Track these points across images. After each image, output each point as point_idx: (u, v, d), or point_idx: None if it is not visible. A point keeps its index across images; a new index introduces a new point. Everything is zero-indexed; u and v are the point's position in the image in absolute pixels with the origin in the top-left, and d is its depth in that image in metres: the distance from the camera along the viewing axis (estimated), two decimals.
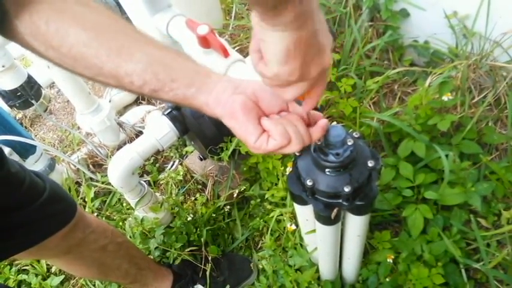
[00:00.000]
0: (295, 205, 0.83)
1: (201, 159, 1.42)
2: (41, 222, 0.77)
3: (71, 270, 1.08)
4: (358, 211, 0.74)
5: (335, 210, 0.71)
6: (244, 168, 1.33)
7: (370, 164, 0.67)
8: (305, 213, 0.84)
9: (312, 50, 0.41)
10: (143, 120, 1.72)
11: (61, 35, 0.47)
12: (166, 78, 0.49)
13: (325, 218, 0.75)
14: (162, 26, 1.17)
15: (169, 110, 1.17)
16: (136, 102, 1.88)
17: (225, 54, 0.96)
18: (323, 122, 0.56)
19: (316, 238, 0.90)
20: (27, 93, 1.47)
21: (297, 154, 0.71)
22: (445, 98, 1.17)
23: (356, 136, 0.69)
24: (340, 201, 0.69)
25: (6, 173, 0.69)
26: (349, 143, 0.64)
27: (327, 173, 0.66)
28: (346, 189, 0.65)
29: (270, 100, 0.52)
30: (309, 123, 0.56)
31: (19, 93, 1.47)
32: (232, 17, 1.86)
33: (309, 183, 0.67)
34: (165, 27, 1.17)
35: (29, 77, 1.50)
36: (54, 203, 0.79)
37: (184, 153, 1.61)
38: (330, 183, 0.67)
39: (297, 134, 0.51)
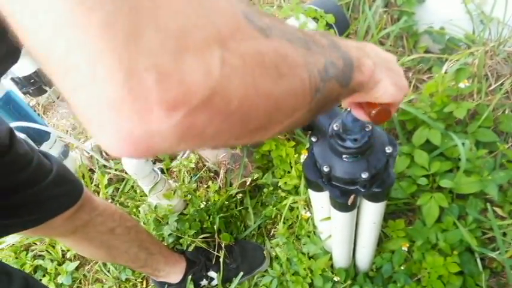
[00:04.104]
0: (311, 192, 0.83)
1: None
2: (46, 202, 0.78)
3: (79, 251, 1.10)
4: (374, 198, 0.74)
5: (352, 197, 0.70)
6: (257, 156, 1.32)
7: (388, 150, 0.67)
8: (320, 200, 0.84)
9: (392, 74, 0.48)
10: None
11: None
12: None
13: (341, 204, 0.74)
14: None
15: None
16: None
17: None
18: None
19: (331, 225, 0.90)
20: (41, 79, 1.48)
21: (313, 140, 0.71)
22: (461, 85, 1.15)
23: None
24: (357, 187, 0.68)
25: (15, 154, 0.71)
26: (367, 129, 0.64)
27: (344, 159, 0.66)
28: (364, 175, 0.65)
29: None
30: None
31: (33, 80, 1.48)
32: None
33: (325, 169, 0.67)
34: None
35: None
36: (60, 184, 0.81)
37: None
38: (347, 170, 0.66)
39: None
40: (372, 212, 0.81)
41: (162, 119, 0.22)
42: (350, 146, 0.64)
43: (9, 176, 0.70)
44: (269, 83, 0.27)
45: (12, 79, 1.49)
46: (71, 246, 1.05)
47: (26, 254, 1.49)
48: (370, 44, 0.48)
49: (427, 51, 1.53)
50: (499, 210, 1.11)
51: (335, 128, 0.64)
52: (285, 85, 0.29)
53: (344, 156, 0.65)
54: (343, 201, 0.71)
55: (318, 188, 0.78)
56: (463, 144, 1.05)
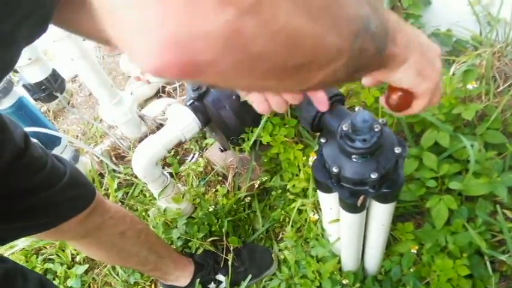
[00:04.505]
0: (319, 193, 0.83)
1: (222, 151, 1.43)
2: (60, 205, 0.79)
3: (90, 254, 1.10)
4: (384, 199, 0.74)
5: (361, 198, 0.70)
6: (265, 160, 1.33)
7: (397, 150, 0.67)
8: (329, 202, 0.84)
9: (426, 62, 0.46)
10: (164, 113, 1.74)
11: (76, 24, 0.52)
12: None
13: (350, 205, 0.74)
14: None
15: (191, 101, 1.18)
16: (157, 95, 1.91)
17: None
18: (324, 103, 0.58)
19: (340, 227, 0.90)
20: (52, 86, 1.50)
21: (322, 141, 0.71)
22: (469, 86, 1.15)
23: (382, 123, 0.68)
24: (367, 188, 0.69)
25: (29, 157, 0.72)
26: (376, 129, 0.64)
27: (354, 160, 0.66)
28: (373, 176, 0.65)
29: None
30: None
31: (44, 86, 1.50)
32: None
33: (334, 170, 0.67)
34: None
35: (54, 70, 1.53)
36: (73, 188, 0.82)
37: (204, 145, 1.62)
38: (357, 170, 0.67)
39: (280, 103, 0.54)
40: (381, 213, 0.81)
41: (211, 15, 0.21)
42: (359, 147, 0.64)
43: (25, 179, 0.71)
44: (319, 8, 0.26)
45: (24, 86, 1.51)
46: (82, 249, 1.06)
47: (36, 258, 1.50)
48: (415, 29, 0.47)
49: None
50: (508, 213, 1.10)
51: (344, 129, 0.65)
52: (333, 15, 0.28)
53: (353, 156, 0.66)
54: (353, 202, 0.71)
55: (327, 189, 0.78)
56: (472, 146, 1.05)
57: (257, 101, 0.54)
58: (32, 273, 0.73)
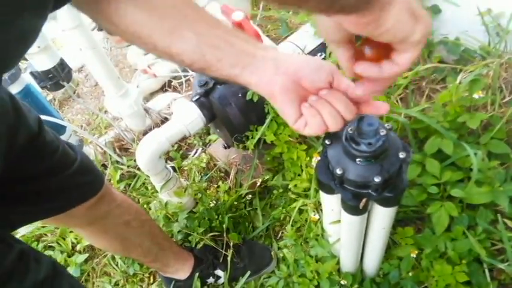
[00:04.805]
0: (322, 194, 0.84)
1: (225, 148, 1.43)
2: (69, 191, 0.81)
3: (94, 242, 1.11)
4: (386, 202, 0.75)
5: (364, 200, 0.71)
6: (268, 158, 1.34)
7: (402, 155, 0.68)
8: (331, 203, 0.85)
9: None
10: (169, 107, 1.75)
11: (119, 14, 0.50)
12: (213, 58, 0.51)
13: (352, 207, 0.75)
14: None
15: (197, 97, 1.18)
16: (163, 89, 1.91)
17: (259, 41, 0.97)
18: (384, 105, 0.54)
19: (340, 229, 0.90)
20: (59, 75, 1.51)
21: (327, 143, 0.72)
22: (475, 96, 1.16)
23: (388, 127, 0.69)
24: (369, 191, 0.69)
25: (42, 142, 0.73)
26: (382, 133, 0.65)
27: (358, 163, 0.67)
28: (377, 179, 0.66)
29: (312, 76, 0.52)
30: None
31: (51, 75, 1.51)
32: (260, 8, 1.86)
33: (338, 172, 0.68)
34: None
35: (61, 60, 1.54)
36: (83, 174, 0.83)
37: (207, 141, 1.63)
38: (360, 173, 0.67)
39: (335, 117, 0.51)
40: (382, 217, 0.81)
41: None
42: (364, 150, 0.65)
43: (37, 163, 0.73)
44: None
45: (32, 73, 1.52)
46: (86, 237, 1.07)
47: (37, 245, 1.52)
48: None
49: (441, 62, 1.53)
50: (509, 222, 1.10)
51: (350, 132, 0.66)
52: None
53: (358, 159, 0.66)
54: (355, 204, 0.72)
55: (330, 191, 0.79)
56: (475, 154, 1.05)
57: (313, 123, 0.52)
58: (45, 256, 0.74)
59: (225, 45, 0.51)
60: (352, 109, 0.52)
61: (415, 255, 1.07)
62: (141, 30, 0.50)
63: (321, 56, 1.32)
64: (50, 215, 0.80)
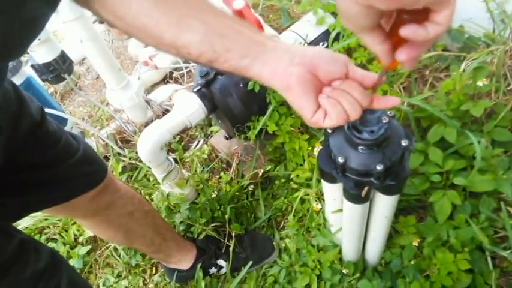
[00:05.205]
0: (323, 183, 0.83)
1: (227, 139, 1.43)
2: (72, 180, 0.81)
3: (97, 233, 1.12)
4: (388, 191, 0.74)
5: (365, 189, 0.71)
6: (270, 149, 1.33)
7: (404, 143, 0.67)
8: (333, 192, 0.85)
9: None
10: (170, 99, 1.74)
11: (124, 6, 0.48)
12: (222, 49, 0.49)
13: (354, 196, 0.75)
14: None
15: (198, 88, 1.18)
16: (164, 81, 1.91)
17: (260, 29, 0.96)
18: (394, 99, 0.54)
19: (342, 218, 0.90)
20: (60, 67, 1.50)
21: (329, 131, 0.71)
22: (479, 83, 1.14)
23: (390, 115, 0.68)
24: (371, 179, 0.69)
25: (45, 131, 0.73)
26: (384, 121, 0.64)
27: (360, 151, 0.66)
28: (379, 167, 0.65)
29: (328, 67, 0.51)
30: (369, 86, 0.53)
31: (52, 68, 1.50)
32: None
33: (340, 160, 0.67)
34: None
35: (62, 52, 1.53)
36: (86, 164, 0.83)
37: (209, 132, 1.63)
38: (362, 161, 0.67)
39: (354, 105, 0.51)
40: (384, 205, 0.81)
41: None
42: (366, 138, 0.64)
43: (40, 152, 0.73)
44: None
45: (32, 66, 1.52)
46: (90, 227, 1.07)
47: (40, 237, 1.52)
48: None
49: (445, 50, 1.51)
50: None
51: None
52: None
53: (360, 147, 0.66)
54: (357, 192, 0.71)
55: (332, 179, 0.78)
56: (478, 142, 1.05)
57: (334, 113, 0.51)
58: (45, 246, 0.74)
59: (234, 34, 0.49)
60: (368, 97, 0.52)
61: (417, 244, 1.07)
62: (148, 22, 0.49)
63: (323, 45, 1.31)
64: (54, 204, 0.80)
